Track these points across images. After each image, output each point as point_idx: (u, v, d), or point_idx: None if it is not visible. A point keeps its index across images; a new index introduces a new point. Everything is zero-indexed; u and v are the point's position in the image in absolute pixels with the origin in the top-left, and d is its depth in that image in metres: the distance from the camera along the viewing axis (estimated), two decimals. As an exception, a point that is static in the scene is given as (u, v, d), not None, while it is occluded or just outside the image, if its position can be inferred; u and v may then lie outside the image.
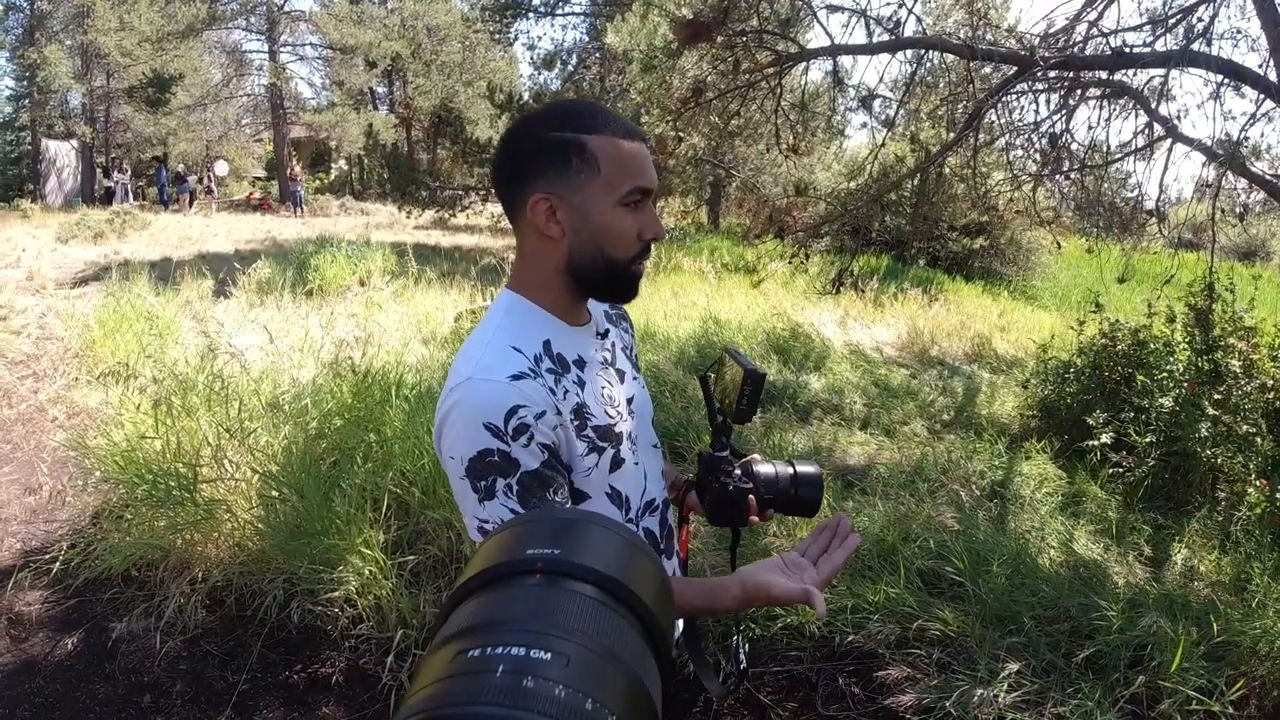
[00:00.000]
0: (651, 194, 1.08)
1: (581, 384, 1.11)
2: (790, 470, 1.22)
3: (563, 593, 0.41)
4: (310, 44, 26.07)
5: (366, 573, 2.92)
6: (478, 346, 1.07)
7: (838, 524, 1.12)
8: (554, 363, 1.08)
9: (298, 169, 22.49)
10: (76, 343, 6.44)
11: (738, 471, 1.21)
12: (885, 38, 5.04)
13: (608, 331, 1.23)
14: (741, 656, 1.28)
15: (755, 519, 1.22)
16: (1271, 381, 4.17)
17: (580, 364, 1.12)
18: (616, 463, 1.13)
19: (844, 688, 2.64)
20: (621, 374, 1.22)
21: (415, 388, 4.01)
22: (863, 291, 9.60)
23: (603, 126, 1.04)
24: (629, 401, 1.20)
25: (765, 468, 1.23)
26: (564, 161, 1.03)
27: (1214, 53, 4.06)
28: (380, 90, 29.00)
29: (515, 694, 0.33)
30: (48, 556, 3.28)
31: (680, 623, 1.26)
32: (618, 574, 0.44)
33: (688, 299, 8.72)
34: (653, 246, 1.13)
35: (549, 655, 0.36)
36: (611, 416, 1.14)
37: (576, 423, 1.07)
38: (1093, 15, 4.59)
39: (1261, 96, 3.94)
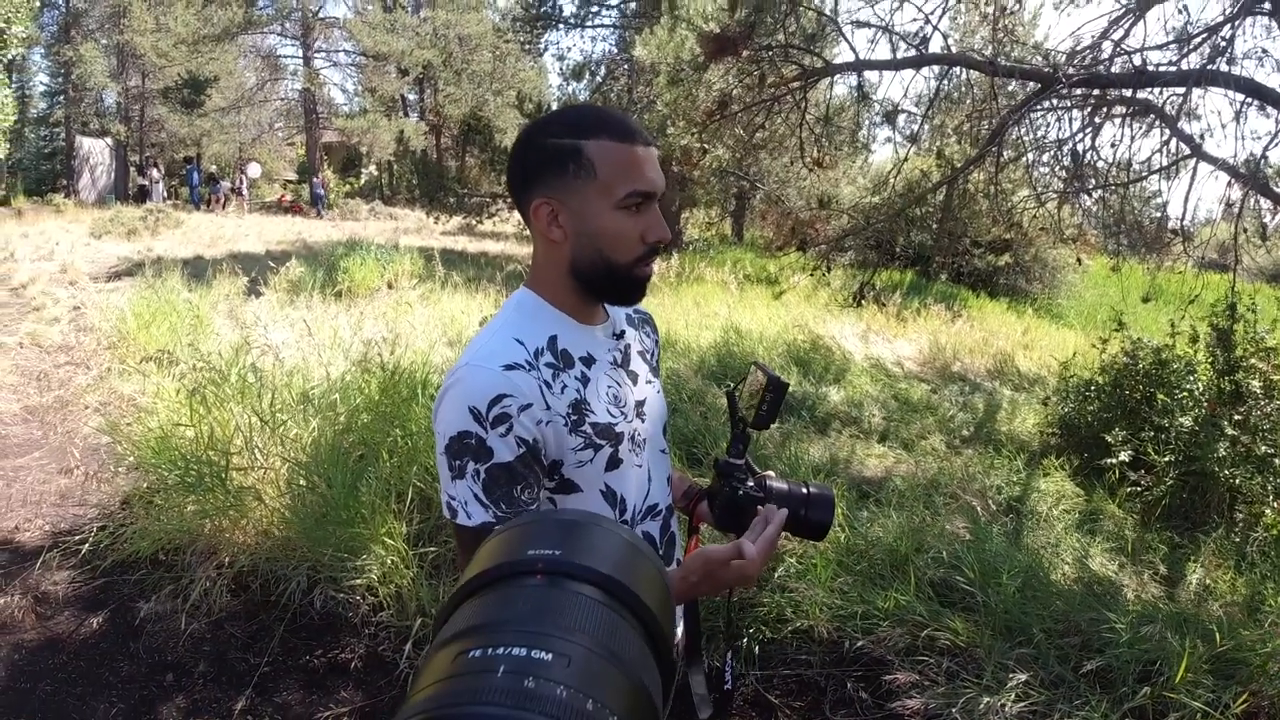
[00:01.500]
0: (655, 197, 1.08)
1: (585, 380, 1.11)
2: (803, 491, 1.21)
3: (564, 593, 0.42)
4: (344, 50, 26.61)
5: (389, 562, 2.99)
6: (484, 335, 1.11)
7: (769, 515, 1.14)
8: (556, 358, 1.09)
9: (328, 173, 22.86)
10: (112, 333, 6.59)
11: (751, 482, 1.21)
12: (910, 54, 5.07)
13: (624, 333, 1.23)
14: (727, 676, 1.27)
15: None
16: (1292, 403, 4.15)
17: (587, 361, 1.13)
18: (614, 462, 1.13)
19: (852, 692, 2.67)
20: (635, 376, 1.21)
21: (440, 387, 4.08)
22: (885, 306, 9.60)
23: (601, 131, 1.05)
24: (640, 404, 1.20)
25: (779, 484, 1.22)
26: (561, 167, 1.06)
27: (1238, 72, 4.06)
28: (411, 97, 29.36)
29: (516, 694, 0.34)
30: (77, 538, 3.36)
31: (680, 636, 1.26)
32: (619, 575, 0.44)
33: (710, 309, 8.77)
34: (661, 249, 1.13)
35: (550, 656, 0.36)
36: (614, 416, 1.14)
37: (574, 418, 1.08)
38: (1118, 34, 4.61)
39: (1285, 117, 3.94)
